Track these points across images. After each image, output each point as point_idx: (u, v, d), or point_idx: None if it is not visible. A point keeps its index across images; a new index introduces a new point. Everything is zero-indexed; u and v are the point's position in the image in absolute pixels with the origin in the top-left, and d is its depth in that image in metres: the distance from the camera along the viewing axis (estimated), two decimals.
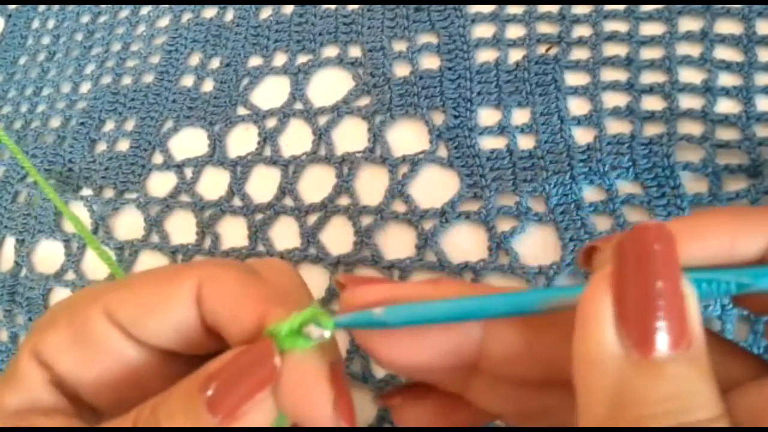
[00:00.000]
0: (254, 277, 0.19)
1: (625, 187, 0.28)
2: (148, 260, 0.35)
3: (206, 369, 0.17)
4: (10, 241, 0.38)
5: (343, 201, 0.32)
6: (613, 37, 0.31)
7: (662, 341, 0.13)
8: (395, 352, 0.17)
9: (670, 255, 0.14)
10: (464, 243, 0.29)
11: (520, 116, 0.31)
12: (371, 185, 0.32)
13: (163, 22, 0.42)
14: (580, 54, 0.31)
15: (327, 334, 0.16)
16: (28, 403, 0.18)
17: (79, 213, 0.37)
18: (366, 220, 0.31)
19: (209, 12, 0.41)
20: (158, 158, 0.37)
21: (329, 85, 0.36)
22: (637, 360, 0.13)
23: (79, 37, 0.45)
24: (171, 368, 0.19)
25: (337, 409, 0.17)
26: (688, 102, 0.29)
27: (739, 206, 0.16)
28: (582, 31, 0.32)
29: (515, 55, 0.33)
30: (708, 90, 0.28)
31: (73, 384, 0.18)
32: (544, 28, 0.33)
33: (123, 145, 0.39)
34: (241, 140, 0.36)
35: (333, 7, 0.37)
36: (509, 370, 0.17)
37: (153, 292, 0.18)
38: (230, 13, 0.40)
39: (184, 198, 0.35)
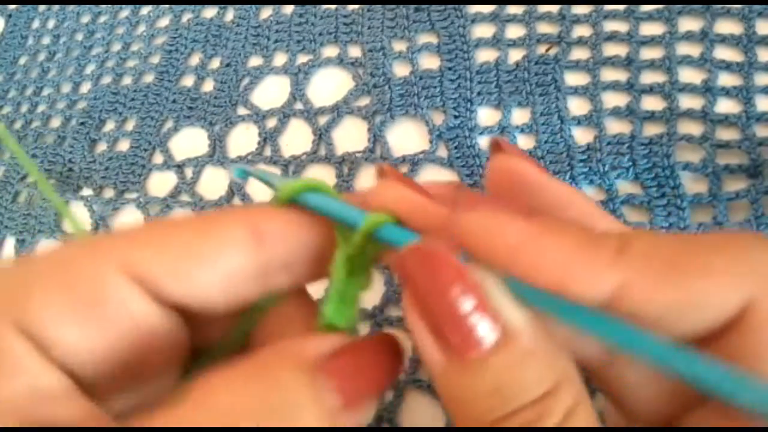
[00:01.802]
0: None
1: (625, 187, 0.28)
2: None
3: (325, 344, 0.15)
4: (10, 241, 0.38)
5: None
6: (613, 37, 0.31)
7: (468, 342, 0.14)
8: None
9: (442, 266, 0.14)
10: None
11: (520, 116, 0.31)
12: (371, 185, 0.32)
13: (163, 22, 0.42)
14: (580, 54, 0.31)
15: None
16: (26, 391, 0.14)
17: (80, 213, 0.37)
18: None
19: (209, 12, 0.41)
20: (158, 158, 0.37)
21: (329, 85, 0.36)
22: (458, 366, 0.14)
23: (79, 37, 0.45)
24: (183, 337, 0.17)
25: None
26: (688, 102, 0.29)
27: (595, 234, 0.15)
28: (582, 31, 0.32)
29: (515, 55, 0.33)
30: (708, 90, 0.28)
31: (73, 360, 0.15)
32: (544, 28, 0.33)
33: (123, 145, 0.39)
34: (241, 140, 0.36)
35: (333, 7, 0.37)
36: None
37: (195, 238, 0.15)
38: (230, 13, 0.40)
39: (184, 198, 0.35)
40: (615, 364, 0.16)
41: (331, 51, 0.36)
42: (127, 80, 0.41)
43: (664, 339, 0.13)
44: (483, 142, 0.31)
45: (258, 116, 0.36)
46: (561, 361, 0.14)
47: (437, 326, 0.14)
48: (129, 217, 0.36)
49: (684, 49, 0.30)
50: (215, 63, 0.39)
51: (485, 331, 0.14)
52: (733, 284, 0.13)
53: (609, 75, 0.31)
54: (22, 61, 0.46)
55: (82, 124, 0.40)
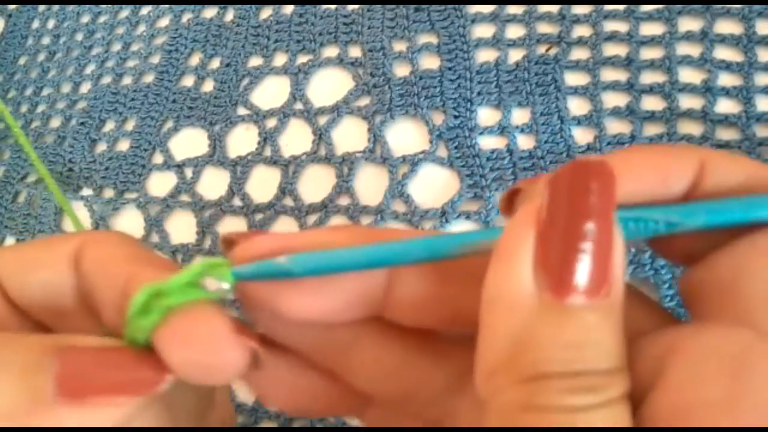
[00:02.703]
0: (136, 242, 0.18)
1: None
2: None
3: (71, 338, 0.15)
4: (10, 241, 0.38)
5: (343, 201, 0.32)
6: (613, 37, 0.31)
7: (580, 287, 0.12)
8: (299, 301, 0.15)
9: (607, 194, 0.13)
10: None
11: (520, 116, 0.31)
12: (371, 185, 0.32)
13: (163, 22, 0.42)
14: (580, 54, 0.31)
15: (226, 285, 0.15)
16: None
17: (80, 213, 0.37)
18: (366, 220, 0.31)
19: (209, 12, 0.41)
20: (158, 158, 0.37)
21: (329, 85, 0.36)
22: (549, 303, 0.12)
23: (79, 37, 0.45)
24: None
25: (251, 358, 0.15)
26: (688, 102, 0.29)
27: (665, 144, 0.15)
28: (582, 31, 0.32)
29: (515, 55, 0.33)
30: (708, 90, 0.28)
31: None
32: (544, 28, 0.33)
33: (123, 145, 0.39)
34: (241, 140, 0.36)
35: (333, 7, 0.37)
36: (415, 319, 0.16)
37: (30, 250, 0.18)
38: (230, 13, 0.40)
39: (184, 198, 0.35)
40: None
41: (331, 51, 0.36)
42: (127, 80, 0.41)
43: None
44: (483, 142, 0.31)
45: (258, 116, 0.36)
46: (624, 346, 0.13)
47: (553, 255, 0.13)
48: (129, 217, 0.36)
49: (684, 49, 0.30)
50: (215, 63, 0.39)
51: (595, 282, 0.12)
52: None
53: (609, 75, 0.31)
54: (22, 61, 0.46)
55: (82, 124, 0.40)
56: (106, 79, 0.42)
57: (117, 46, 0.43)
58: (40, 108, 0.43)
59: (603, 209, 0.13)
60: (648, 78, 0.30)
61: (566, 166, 0.13)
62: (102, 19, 0.45)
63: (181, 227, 0.35)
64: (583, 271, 0.12)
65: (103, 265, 0.16)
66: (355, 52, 0.36)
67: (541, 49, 0.32)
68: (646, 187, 0.14)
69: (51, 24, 0.46)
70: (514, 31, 0.33)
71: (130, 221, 0.36)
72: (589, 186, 0.13)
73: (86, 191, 0.38)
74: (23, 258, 0.17)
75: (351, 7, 0.37)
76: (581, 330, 0.12)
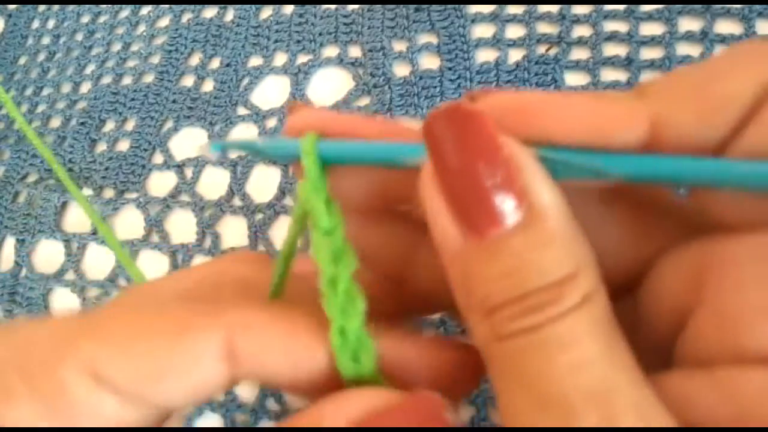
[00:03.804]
0: (285, 305, 0.16)
1: None
2: (148, 260, 0.35)
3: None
4: (10, 241, 0.38)
5: None
6: (613, 37, 0.31)
7: (491, 219, 0.13)
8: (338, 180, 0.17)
9: (477, 130, 0.13)
10: None
11: None
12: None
13: (163, 22, 0.42)
14: (580, 54, 0.31)
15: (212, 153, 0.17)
16: None
17: (80, 213, 0.37)
18: None
19: (209, 12, 0.41)
20: (158, 158, 0.37)
21: (329, 85, 0.36)
22: (476, 244, 0.13)
23: (79, 37, 0.45)
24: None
25: None
26: None
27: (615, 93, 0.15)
28: (582, 31, 0.32)
29: (515, 55, 0.33)
30: None
31: None
32: (544, 28, 0.33)
33: (123, 145, 0.39)
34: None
35: (333, 7, 0.37)
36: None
37: (162, 348, 0.14)
38: (230, 13, 0.40)
39: (184, 198, 0.35)
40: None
41: (331, 51, 0.37)
42: (127, 80, 0.41)
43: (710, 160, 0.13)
44: None
45: (258, 116, 0.36)
46: (582, 246, 0.13)
47: (458, 200, 0.13)
48: (129, 217, 0.36)
49: (684, 49, 0.30)
50: (215, 63, 0.39)
51: (510, 209, 0.13)
52: (747, 73, 0.13)
53: (609, 75, 0.31)
54: (22, 61, 0.46)
55: (82, 124, 0.40)
56: (106, 79, 0.42)
57: (117, 46, 0.43)
58: (40, 108, 0.43)
59: (478, 145, 0.13)
60: (648, 78, 0.30)
61: (434, 114, 0.14)
62: (102, 19, 0.45)
63: (181, 227, 0.35)
64: (489, 203, 0.13)
65: (270, 357, 0.15)
66: (355, 52, 0.36)
67: (541, 49, 0.32)
68: (573, 130, 0.14)
69: (51, 24, 0.46)
70: (514, 31, 0.33)
71: (130, 221, 0.36)
72: (455, 129, 0.14)
73: (86, 191, 0.38)
74: (153, 360, 0.14)
75: (351, 7, 0.37)
76: (511, 257, 0.13)
